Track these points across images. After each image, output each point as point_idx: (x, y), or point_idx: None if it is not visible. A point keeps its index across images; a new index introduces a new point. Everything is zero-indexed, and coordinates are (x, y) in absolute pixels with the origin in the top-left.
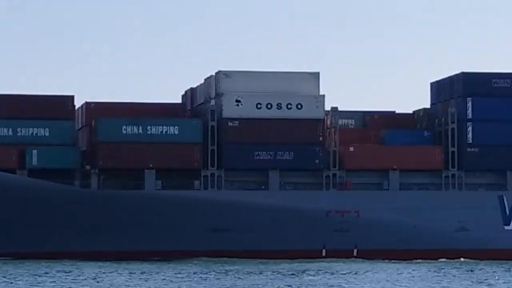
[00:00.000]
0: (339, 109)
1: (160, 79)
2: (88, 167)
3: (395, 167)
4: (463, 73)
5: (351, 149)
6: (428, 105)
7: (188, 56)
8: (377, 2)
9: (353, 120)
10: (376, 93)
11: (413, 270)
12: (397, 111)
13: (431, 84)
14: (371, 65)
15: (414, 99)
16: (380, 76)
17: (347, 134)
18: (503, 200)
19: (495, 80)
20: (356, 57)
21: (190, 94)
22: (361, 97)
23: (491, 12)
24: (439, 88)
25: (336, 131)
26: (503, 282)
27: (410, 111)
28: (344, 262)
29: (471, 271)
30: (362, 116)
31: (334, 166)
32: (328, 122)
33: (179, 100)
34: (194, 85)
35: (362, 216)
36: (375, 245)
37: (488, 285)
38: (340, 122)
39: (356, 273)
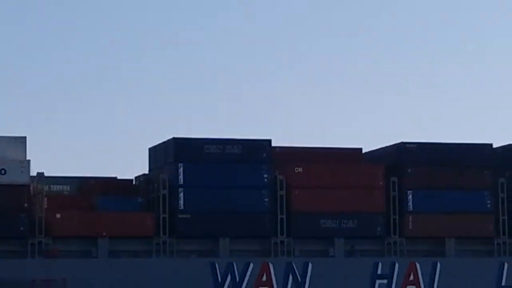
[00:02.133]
0: (54, 174)
1: None
2: None
3: (104, 234)
4: (174, 138)
5: (58, 215)
6: (147, 171)
7: None
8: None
9: (68, 186)
10: (96, 158)
11: None
12: (119, 177)
13: (149, 149)
14: (91, 131)
15: (137, 164)
16: (102, 141)
17: (60, 200)
18: (215, 267)
19: (207, 146)
20: (69, 124)
21: None
22: (80, 162)
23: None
24: (156, 154)
25: (43, 197)
26: None
27: (132, 177)
28: None
29: None
30: (80, 182)
31: (41, 233)
32: (35, 188)
33: None
34: None
35: (69, 285)
36: None
37: None
38: (54, 188)
39: None
